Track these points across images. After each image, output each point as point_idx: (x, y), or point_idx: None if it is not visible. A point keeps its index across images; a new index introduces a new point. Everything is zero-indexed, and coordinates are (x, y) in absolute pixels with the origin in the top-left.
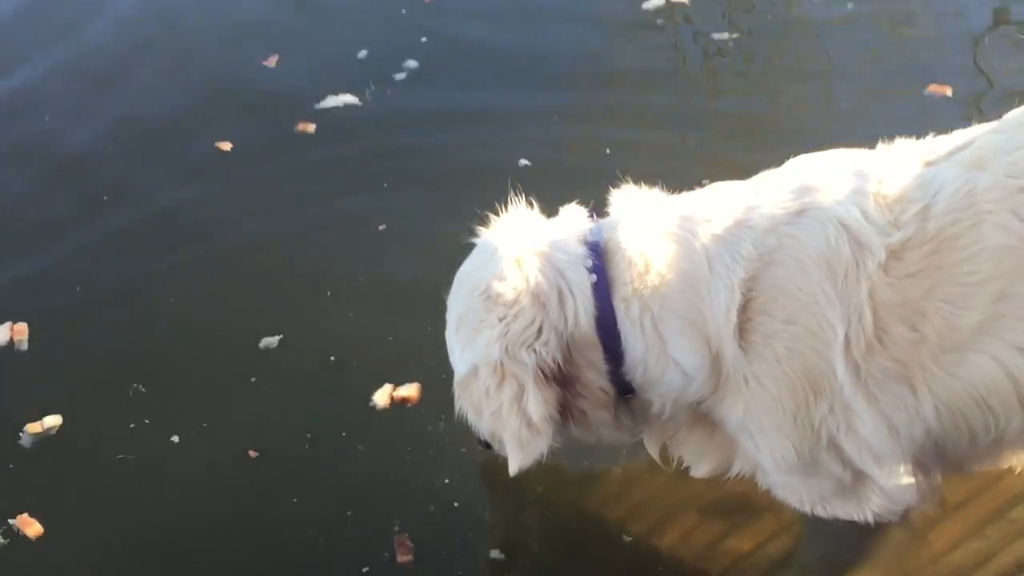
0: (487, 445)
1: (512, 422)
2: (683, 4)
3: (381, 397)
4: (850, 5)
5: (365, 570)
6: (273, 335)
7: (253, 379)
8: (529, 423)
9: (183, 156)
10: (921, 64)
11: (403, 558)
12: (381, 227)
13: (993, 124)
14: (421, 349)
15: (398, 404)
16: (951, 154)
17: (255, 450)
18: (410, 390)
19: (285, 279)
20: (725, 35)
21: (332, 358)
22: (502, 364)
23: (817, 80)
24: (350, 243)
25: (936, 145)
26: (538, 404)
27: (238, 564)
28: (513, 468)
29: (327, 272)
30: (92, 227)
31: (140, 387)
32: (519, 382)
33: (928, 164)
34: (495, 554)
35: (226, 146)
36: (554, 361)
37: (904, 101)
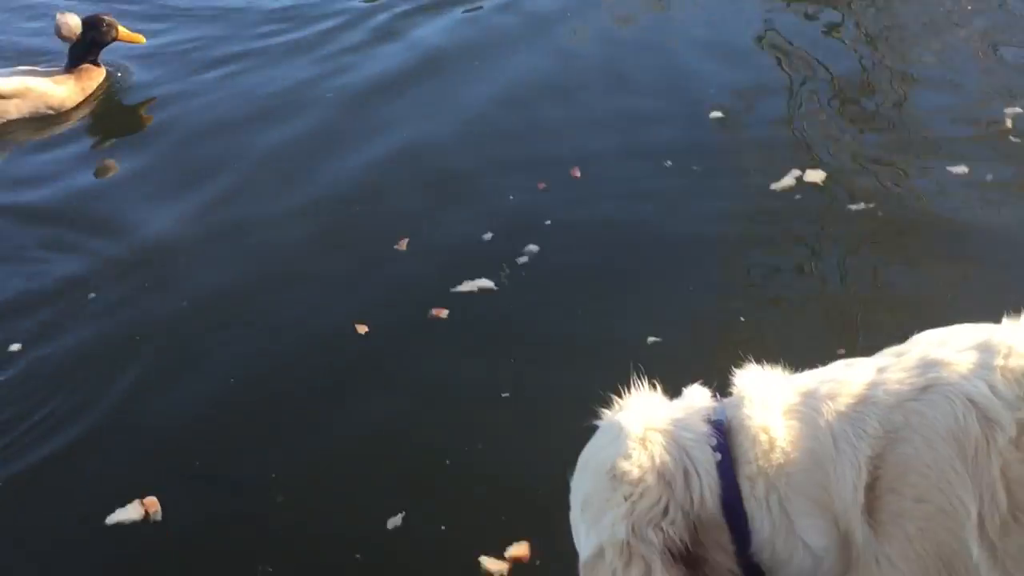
0: None
1: None
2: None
3: (493, 564)
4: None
5: None
6: (397, 513)
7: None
8: None
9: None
10: None
11: None
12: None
13: None
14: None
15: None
16: None
17: None
18: (520, 549)
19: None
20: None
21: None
22: (629, 544)
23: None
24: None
25: None
26: None
27: None
28: None
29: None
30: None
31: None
32: (647, 562)
33: None
34: None
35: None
36: (681, 541)
37: None
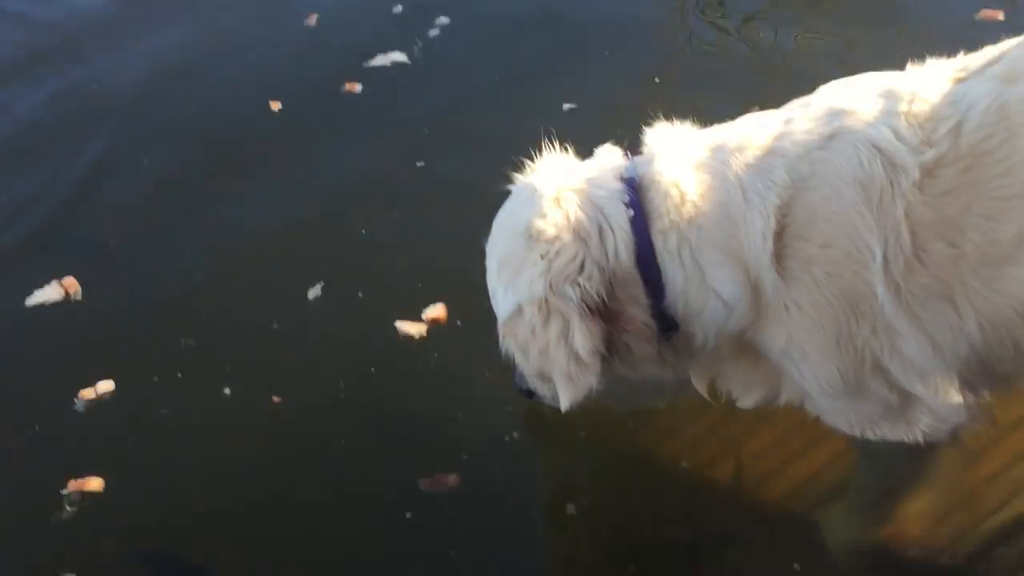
0: (530, 394)
1: (560, 358)
2: None
3: (411, 327)
4: None
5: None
6: (316, 284)
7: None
8: (577, 358)
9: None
10: None
11: (449, 485)
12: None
13: (1021, 38)
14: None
15: (432, 329)
16: (982, 69)
17: (286, 395)
18: (436, 311)
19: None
20: None
21: (360, 294)
22: (547, 300)
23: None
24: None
25: (966, 61)
26: (585, 338)
27: (297, 500)
28: (564, 404)
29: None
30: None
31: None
32: (564, 317)
33: (959, 81)
34: (551, 490)
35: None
36: (598, 295)
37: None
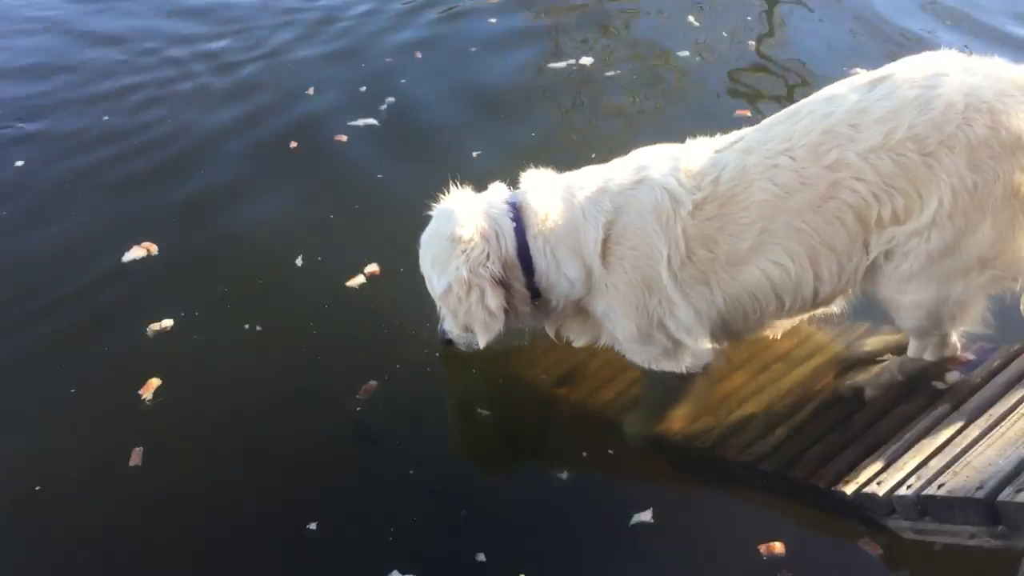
0: (449, 342)
1: (479, 313)
2: None
3: (353, 280)
4: None
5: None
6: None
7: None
8: (490, 312)
9: None
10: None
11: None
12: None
13: (755, 126)
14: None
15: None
16: (731, 144)
17: (269, 327)
18: (372, 267)
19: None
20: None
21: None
22: (468, 279)
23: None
24: (351, 186)
25: (721, 140)
26: (495, 298)
27: (274, 395)
28: (482, 343)
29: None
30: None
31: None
32: (480, 288)
33: (717, 151)
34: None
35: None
36: (499, 274)
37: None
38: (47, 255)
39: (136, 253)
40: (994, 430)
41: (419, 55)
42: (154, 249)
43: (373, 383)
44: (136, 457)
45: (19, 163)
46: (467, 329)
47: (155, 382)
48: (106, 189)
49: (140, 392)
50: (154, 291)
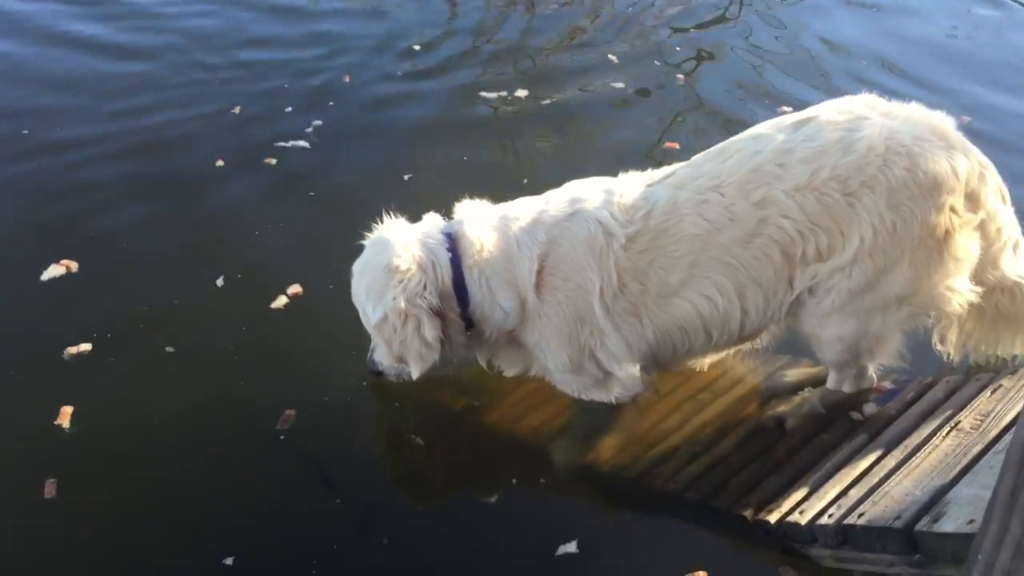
0: (378, 373)
1: (415, 344)
2: None
3: (277, 301)
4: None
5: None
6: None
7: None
8: (427, 343)
9: None
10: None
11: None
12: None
13: (687, 161)
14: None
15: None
16: (663, 179)
17: (184, 348)
18: (295, 288)
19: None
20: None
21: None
22: (405, 309)
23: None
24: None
25: (653, 174)
26: (432, 329)
27: (203, 412)
28: (415, 374)
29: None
30: None
31: None
32: (417, 318)
33: (649, 185)
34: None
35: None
36: (436, 304)
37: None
38: None
39: (55, 271)
40: (910, 460)
41: (348, 79)
42: (74, 267)
43: (292, 412)
44: (50, 489)
45: None
46: (400, 360)
47: (68, 410)
48: (26, 201)
49: (56, 421)
50: (73, 312)
